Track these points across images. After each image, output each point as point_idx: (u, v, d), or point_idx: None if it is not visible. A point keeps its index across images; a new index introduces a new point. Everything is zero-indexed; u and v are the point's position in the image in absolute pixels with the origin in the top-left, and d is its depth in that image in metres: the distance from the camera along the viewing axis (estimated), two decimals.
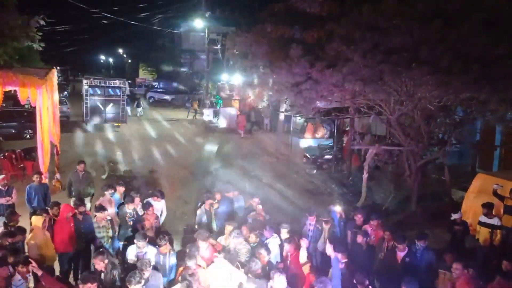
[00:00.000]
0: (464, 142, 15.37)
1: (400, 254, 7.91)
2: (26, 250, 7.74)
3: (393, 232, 8.58)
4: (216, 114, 30.55)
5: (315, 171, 18.62)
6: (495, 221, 9.70)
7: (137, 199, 9.57)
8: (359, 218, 9.37)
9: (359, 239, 8.32)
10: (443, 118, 13.58)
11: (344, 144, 19.40)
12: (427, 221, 12.21)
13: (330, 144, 20.58)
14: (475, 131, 16.42)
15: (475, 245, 9.90)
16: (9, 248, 7.20)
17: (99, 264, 6.70)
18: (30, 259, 6.83)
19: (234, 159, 19.84)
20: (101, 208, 8.88)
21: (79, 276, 8.80)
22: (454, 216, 9.94)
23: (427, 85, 11.57)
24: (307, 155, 19.23)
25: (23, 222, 8.71)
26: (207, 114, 30.19)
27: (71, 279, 8.70)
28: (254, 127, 29.35)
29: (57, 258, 8.28)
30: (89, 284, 5.71)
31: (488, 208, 9.78)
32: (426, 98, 12.14)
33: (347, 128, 20.81)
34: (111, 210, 9.55)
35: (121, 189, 10.35)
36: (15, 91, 11.86)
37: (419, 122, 13.08)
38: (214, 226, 9.60)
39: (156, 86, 54.18)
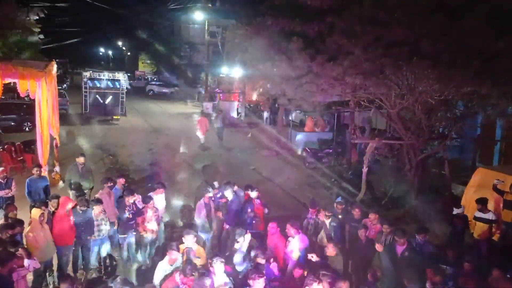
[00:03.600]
0: (464, 137, 15.35)
1: (400, 248, 7.91)
2: (24, 242, 7.71)
3: (392, 226, 8.59)
4: (215, 107, 30.47)
5: (314, 165, 18.60)
6: (489, 216, 9.73)
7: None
8: (357, 212, 9.41)
9: (359, 233, 8.32)
10: (444, 112, 13.55)
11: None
12: (427, 216, 12.21)
13: (330, 138, 20.55)
14: (476, 126, 16.40)
15: (473, 240, 9.91)
16: (9, 241, 7.21)
17: None
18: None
19: (233, 153, 19.82)
20: (98, 201, 8.88)
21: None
22: (456, 211, 9.95)
23: (428, 79, 11.54)
24: (307, 149, 19.19)
25: (23, 215, 8.70)
26: (206, 108, 30.11)
27: (69, 271, 8.73)
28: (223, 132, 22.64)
29: (55, 251, 8.26)
30: None
31: (482, 203, 9.81)
32: (427, 92, 12.12)
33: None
34: (110, 203, 9.54)
35: (121, 180, 10.32)
36: (14, 83, 11.81)
37: (420, 116, 13.05)
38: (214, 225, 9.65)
39: (155, 79, 54.01)
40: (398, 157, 15.50)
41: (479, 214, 9.84)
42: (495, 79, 10.54)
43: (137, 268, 9.43)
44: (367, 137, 17.48)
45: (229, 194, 9.66)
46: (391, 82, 12.16)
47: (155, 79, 53.74)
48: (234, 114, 30.70)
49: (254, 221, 9.25)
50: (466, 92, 11.76)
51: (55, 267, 8.50)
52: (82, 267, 8.99)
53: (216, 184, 10.43)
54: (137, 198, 9.50)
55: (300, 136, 21.60)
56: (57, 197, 8.89)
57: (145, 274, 9.23)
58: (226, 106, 30.27)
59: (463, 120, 13.84)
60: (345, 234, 9.12)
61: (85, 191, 11.05)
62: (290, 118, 24.28)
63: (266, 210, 9.90)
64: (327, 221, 8.82)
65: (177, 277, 6.51)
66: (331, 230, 8.75)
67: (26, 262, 6.93)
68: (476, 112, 13.92)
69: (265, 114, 29.59)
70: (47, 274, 8.29)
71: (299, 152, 20.18)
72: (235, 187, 10.40)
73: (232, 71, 32.98)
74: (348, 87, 13.38)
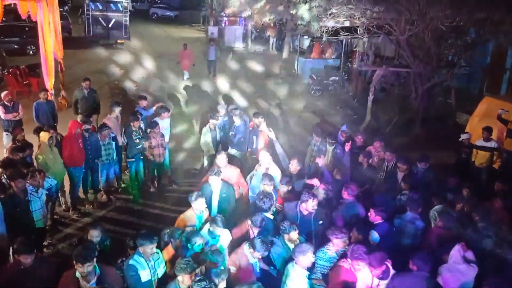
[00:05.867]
0: (473, 65, 15.12)
1: (401, 175, 8.06)
2: (35, 164, 7.93)
3: (395, 154, 8.70)
4: (220, 32, 29.75)
5: (321, 92, 18.51)
6: (492, 144, 9.81)
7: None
8: (359, 139, 9.49)
9: (360, 158, 8.46)
10: (454, 39, 13.24)
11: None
12: (431, 144, 12.34)
13: (337, 65, 20.26)
14: (486, 54, 16.09)
15: (474, 168, 10.07)
16: (20, 162, 7.44)
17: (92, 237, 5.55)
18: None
19: (238, 78, 19.66)
20: (104, 126, 9.00)
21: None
22: (463, 137, 10.03)
23: (440, 4, 11.17)
24: (313, 75, 19.00)
25: (32, 139, 8.87)
26: (212, 32, 29.41)
27: (81, 193, 9.06)
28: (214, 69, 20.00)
29: (65, 172, 8.51)
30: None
31: (488, 132, 9.83)
32: (438, 18, 11.78)
33: (355, 49, 20.42)
34: (118, 128, 9.68)
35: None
36: (15, 4, 11.53)
37: (429, 43, 12.78)
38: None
39: (159, 1, 52.24)
40: (404, 86, 15.38)
41: (481, 143, 9.92)
42: (509, 4, 10.20)
43: (144, 191, 9.77)
44: (371, 64, 17.22)
45: (237, 119, 9.69)
46: (402, 7, 11.79)
47: (158, 1, 51.93)
48: (239, 40, 29.94)
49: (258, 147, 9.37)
50: (479, 18, 11.42)
51: (66, 189, 8.81)
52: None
53: (221, 110, 10.41)
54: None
55: (306, 63, 21.28)
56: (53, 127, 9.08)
57: (152, 196, 9.61)
58: (232, 31, 29.50)
59: (473, 47, 13.55)
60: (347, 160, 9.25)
61: (92, 115, 11.12)
62: (297, 44, 23.75)
63: (271, 134, 9.99)
64: (331, 148, 8.92)
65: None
66: (334, 157, 8.87)
67: (48, 182, 7.26)
68: (487, 40, 13.61)
69: (271, 40, 28.98)
70: (59, 194, 8.61)
71: (305, 79, 19.99)
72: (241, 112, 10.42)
73: None
74: (357, 12, 13.01)
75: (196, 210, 6.13)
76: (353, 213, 6.54)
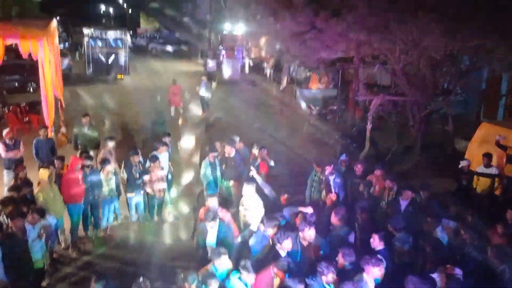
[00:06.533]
0: (469, 91, 15.25)
1: (403, 203, 8.00)
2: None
3: (395, 182, 8.66)
4: (219, 65, 30.18)
5: (319, 122, 18.61)
6: (492, 170, 9.80)
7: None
8: (358, 168, 9.37)
9: (361, 188, 8.45)
10: (448, 67, 13.41)
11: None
12: (431, 171, 12.33)
13: (334, 95, 20.45)
14: (481, 80, 16.25)
15: (475, 194, 10.02)
16: (19, 200, 7.40)
17: None
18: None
19: (237, 110, 19.80)
20: (107, 161, 8.99)
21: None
22: (462, 164, 10.02)
23: (433, 34, 11.36)
24: (311, 105, 19.16)
25: (32, 175, 8.86)
26: (210, 66, 29.84)
27: (80, 231, 8.96)
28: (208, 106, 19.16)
29: (65, 210, 8.45)
30: None
31: (488, 158, 9.85)
32: (432, 47, 11.96)
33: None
34: (114, 162, 9.67)
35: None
36: (16, 44, 11.73)
37: (424, 72, 12.94)
38: (219, 179, 9.77)
39: (157, 37, 53.17)
40: (401, 114, 15.48)
41: (481, 169, 9.92)
42: (501, 32, 10.38)
43: (145, 226, 9.68)
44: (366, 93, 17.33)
45: (229, 149, 9.65)
46: (396, 37, 12.00)
47: (157, 37, 52.85)
48: (237, 73, 30.26)
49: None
50: (472, 46, 11.61)
51: (66, 226, 8.73)
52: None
53: (219, 143, 10.44)
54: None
55: (304, 93, 21.48)
56: (61, 158, 9.05)
57: (152, 231, 9.51)
58: (229, 64, 29.89)
59: (468, 74, 13.71)
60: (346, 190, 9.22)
61: (92, 151, 11.13)
62: (294, 74, 24.05)
63: (272, 163, 10.01)
64: (331, 178, 8.91)
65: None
66: (335, 186, 8.85)
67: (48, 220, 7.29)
68: (481, 66, 13.78)
69: (268, 71, 29.33)
70: (59, 232, 8.53)
71: (303, 109, 20.14)
72: (239, 144, 10.44)
73: (235, 28, 32.46)
74: (352, 43, 13.23)
75: (219, 268, 5.80)
76: (342, 238, 6.53)
